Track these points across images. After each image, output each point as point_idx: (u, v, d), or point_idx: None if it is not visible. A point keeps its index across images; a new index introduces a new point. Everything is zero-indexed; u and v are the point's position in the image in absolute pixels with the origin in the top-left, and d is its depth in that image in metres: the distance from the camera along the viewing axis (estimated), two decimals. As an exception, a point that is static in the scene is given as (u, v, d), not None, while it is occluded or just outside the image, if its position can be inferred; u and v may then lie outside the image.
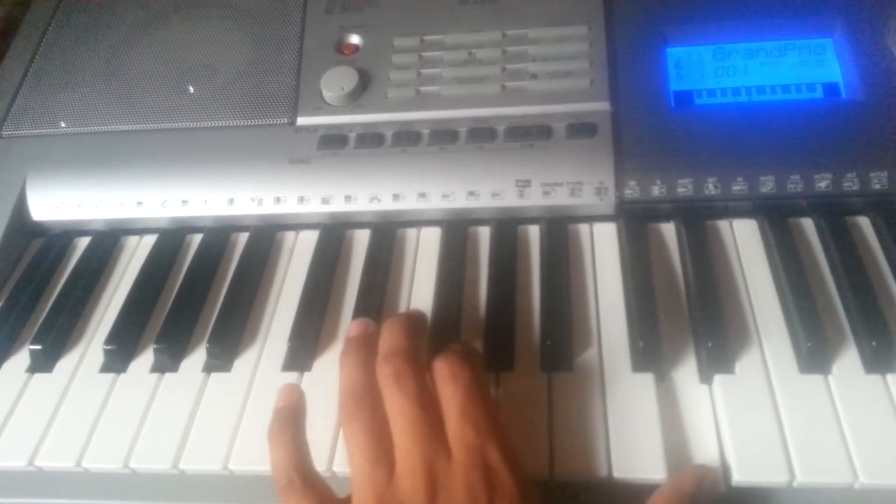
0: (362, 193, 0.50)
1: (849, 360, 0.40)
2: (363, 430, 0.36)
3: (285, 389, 0.41)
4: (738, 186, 0.47)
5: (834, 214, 0.46)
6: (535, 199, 0.48)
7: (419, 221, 0.51)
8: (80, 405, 0.44)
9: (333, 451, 0.39)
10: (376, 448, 0.35)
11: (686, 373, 0.41)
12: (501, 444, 0.35)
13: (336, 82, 0.54)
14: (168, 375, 0.44)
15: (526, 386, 0.41)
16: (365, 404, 0.37)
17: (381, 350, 0.39)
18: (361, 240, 0.51)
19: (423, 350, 0.40)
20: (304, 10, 0.59)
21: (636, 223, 0.48)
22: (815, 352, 0.39)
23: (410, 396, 0.36)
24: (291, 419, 0.40)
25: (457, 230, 0.49)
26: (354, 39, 0.57)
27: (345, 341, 0.41)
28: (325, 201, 0.50)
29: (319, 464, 0.39)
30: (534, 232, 0.49)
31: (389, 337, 0.39)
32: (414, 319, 0.41)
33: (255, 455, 0.40)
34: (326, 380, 0.42)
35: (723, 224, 0.48)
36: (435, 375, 0.37)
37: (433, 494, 0.33)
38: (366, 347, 0.40)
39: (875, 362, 0.39)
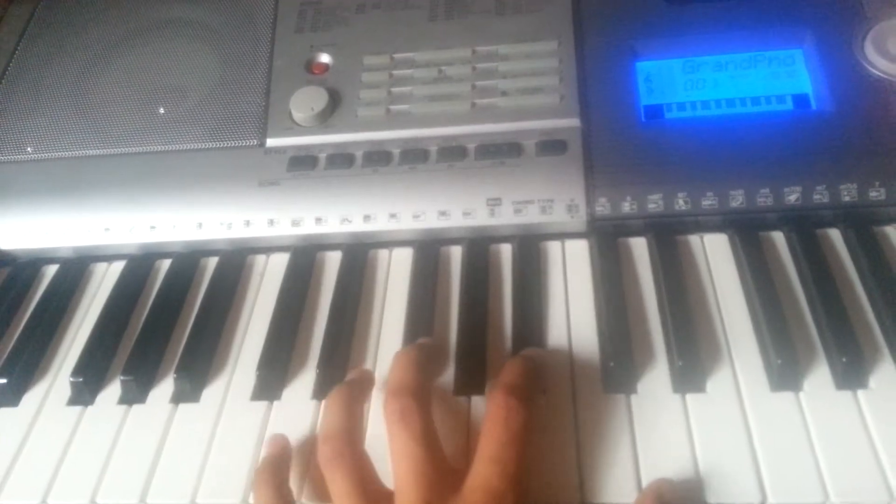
0: (333, 215, 0.50)
1: (820, 377, 0.40)
2: (343, 477, 0.35)
3: (271, 439, 0.40)
4: (709, 201, 0.46)
5: (804, 227, 0.46)
6: (506, 217, 0.48)
7: (391, 242, 0.50)
8: (46, 440, 0.43)
9: (303, 481, 0.39)
10: (361, 495, 0.34)
11: (659, 390, 0.40)
12: (523, 497, 0.34)
13: (306, 102, 0.53)
14: (136, 407, 0.44)
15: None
16: (344, 449, 0.36)
17: (388, 385, 0.37)
18: (333, 261, 0.50)
19: (431, 383, 0.39)
20: (274, 30, 0.58)
21: (607, 240, 0.47)
22: (785, 369, 0.39)
23: (416, 437, 0.34)
24: (275, 464, 0.38)
25: (428, 250, 0.49)
26: (324, 58, 0.56)
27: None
28: (295, 223, 0.50)
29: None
30: (506, 250, 0.49)
31: (398, 371, 0.38)
32: (426, 351, 0.40)
33: (224, 487, 0.39)
34: (296, 409, 0.42)
35: (694, 239, 0.47)
36: (488, 408, 0.36)
37: None
38: (353, 390, 0.39)
39: (846, 378, 0.39)
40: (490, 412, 0.36)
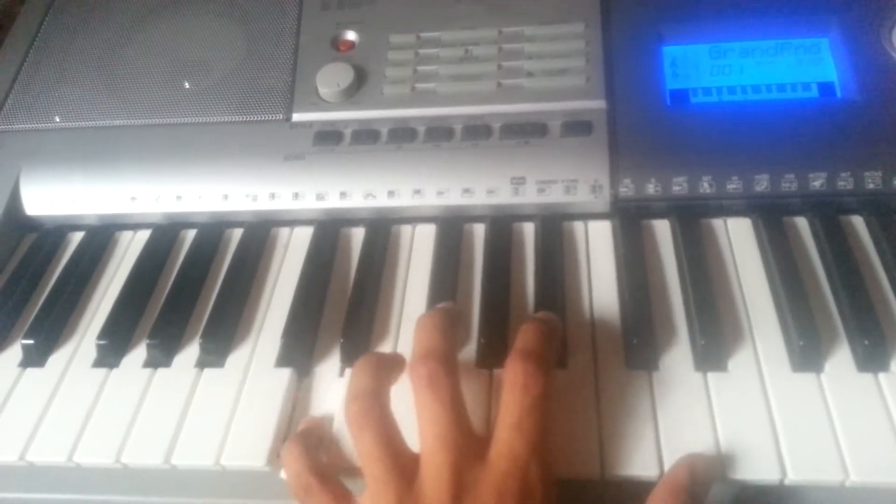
0: (357, 190, 0.50)
1: (841, 359, 0.40)
2: (371, 436, 0.35)
3: (306, 418, 0.41)
4: (733, 185, 0.47)
5: (828, 213, 0.46)
6: (529, 196, 0.48)
7: (414, 218, 0.51)
8: (72, 400, 0.43)
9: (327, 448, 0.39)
10: (389, 455, 0.34)
11: (681, 368, 0.41)
12: (546, 463, 0.34)
13: (332, 78, 0.53)
14: (161, 370, 0.44)
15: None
16: (373, 408, 0.36)
17: (414, 349, 0.37)
18: (356, 236, 0.51)
19: (457, 349, 0.39)
20: (301, 6, 0.59)
21: (631, 221, 0.48)
22: (807, 350, 0.39)
23: (443, 402, 0.35)
24: (307, 434, 0.39)
25: (451, 227, 0.49)
26: (350, 36, 0.57)
27: None
28: (319, 197, 0.50)
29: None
30: (528, 229, 0.49)
31: (424, 335, 0.38)
32: (449, 316, 0.40)
33: (248, 450, 0.40)
34: (320, 377, 0.43)
35: (717, 222, 0.48)
36: (506, 375, 0.36)
37: (458, 500, 0.33)
38: (380, 360, 0.39)
39: (867, 361, 0.39)
40: (508, 379, 0.36)
